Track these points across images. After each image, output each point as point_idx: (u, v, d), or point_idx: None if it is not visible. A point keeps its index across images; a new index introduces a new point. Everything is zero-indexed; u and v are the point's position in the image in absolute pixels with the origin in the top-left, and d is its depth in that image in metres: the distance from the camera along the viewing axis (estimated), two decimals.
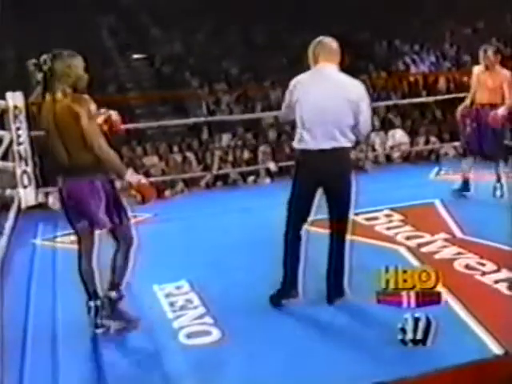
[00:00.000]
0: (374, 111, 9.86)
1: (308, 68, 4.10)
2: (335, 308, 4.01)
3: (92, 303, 3.82)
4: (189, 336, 3.77)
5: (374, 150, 9.09)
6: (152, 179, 6.61)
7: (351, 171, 4.08)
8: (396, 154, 9.02)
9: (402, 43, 13.62)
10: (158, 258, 4.44)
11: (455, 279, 4.19)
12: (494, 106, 6.32)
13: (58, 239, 5.90)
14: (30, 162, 6.73)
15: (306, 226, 4.10)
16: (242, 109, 11.27)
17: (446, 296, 3.71)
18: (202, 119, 10.15)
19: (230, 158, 9.03)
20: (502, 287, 4.14)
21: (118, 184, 3.87)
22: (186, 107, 11.70)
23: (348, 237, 4.08)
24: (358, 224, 5.58)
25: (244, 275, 4.58)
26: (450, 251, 4.86)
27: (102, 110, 3.97)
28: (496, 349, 3.36)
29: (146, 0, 14.81)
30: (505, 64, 6.72)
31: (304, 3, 13.40)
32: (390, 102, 9.96)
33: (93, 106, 3.68)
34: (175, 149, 9.41)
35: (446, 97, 8.93)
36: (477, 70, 6.53)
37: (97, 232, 3.83)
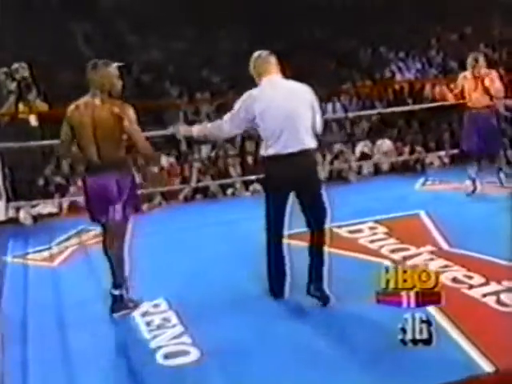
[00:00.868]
0: (360, 119, 9.83)
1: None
2: (319, 319, 3.95)
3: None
4: (166, 356, 3.63)
5: (359, 160, 8.95)
6: None
7: (318, 172, 4.34)
8: (385, 166, 8.89)
9: (387, 50, 13.53)
10: (134, 274, 4.32)
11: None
12: (488, 107, 6.64)
13: (30, 256, 5.68)
14: None
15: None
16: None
17: (432, 310, 3.59)
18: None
19: (211, 170, 8.83)
20: (491, 301, 4.03)
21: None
22: (163, 118, 11.49)
23: (327, 248, 4.16)
24: (342, 237, 5.51)
25: (223, 291, 4.46)
26: (436, 264, 4.73)
27: None
28: (484, 365, 3.25)
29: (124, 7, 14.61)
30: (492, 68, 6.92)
31: (287, 11, 13.32)
32: (373, 111, 9.85)
33: (131, 110, 3.99)
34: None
35: (431, 105, 8.82)
36: (463, 76, 6.70)
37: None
